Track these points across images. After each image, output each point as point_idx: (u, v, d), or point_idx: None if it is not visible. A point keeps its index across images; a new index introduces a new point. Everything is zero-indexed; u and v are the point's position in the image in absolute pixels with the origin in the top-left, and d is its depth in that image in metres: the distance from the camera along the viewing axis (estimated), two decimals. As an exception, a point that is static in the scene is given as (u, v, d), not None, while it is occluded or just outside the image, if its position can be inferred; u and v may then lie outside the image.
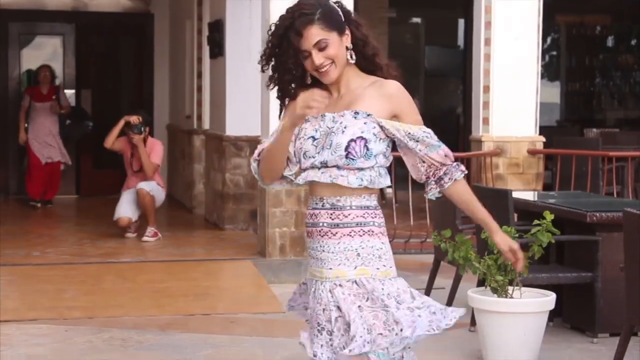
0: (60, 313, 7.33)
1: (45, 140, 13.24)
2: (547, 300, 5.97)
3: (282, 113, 3.57)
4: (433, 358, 6.11)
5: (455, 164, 3.52)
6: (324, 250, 3.45)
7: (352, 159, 3.39)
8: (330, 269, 3.43)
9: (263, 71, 3.53)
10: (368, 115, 3.41)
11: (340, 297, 3.39)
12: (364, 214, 3.45)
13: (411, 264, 8.99)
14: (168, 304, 7.67)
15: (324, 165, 3.42)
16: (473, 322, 6.56)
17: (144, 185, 10.37)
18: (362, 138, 3.39)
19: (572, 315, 6.83)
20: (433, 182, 3.52)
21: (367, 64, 3.52)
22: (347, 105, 3.45)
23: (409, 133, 3.46)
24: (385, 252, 3.47)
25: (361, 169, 3.41)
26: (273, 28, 3.46)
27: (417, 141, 3.47)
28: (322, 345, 3.40)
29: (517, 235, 5.88)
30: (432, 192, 3.54)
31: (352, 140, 3.38)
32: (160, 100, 15.33)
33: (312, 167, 3.44)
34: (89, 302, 7.75)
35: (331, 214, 3.44)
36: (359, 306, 3.37)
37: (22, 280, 8.59)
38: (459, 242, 6.06)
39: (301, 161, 3.46)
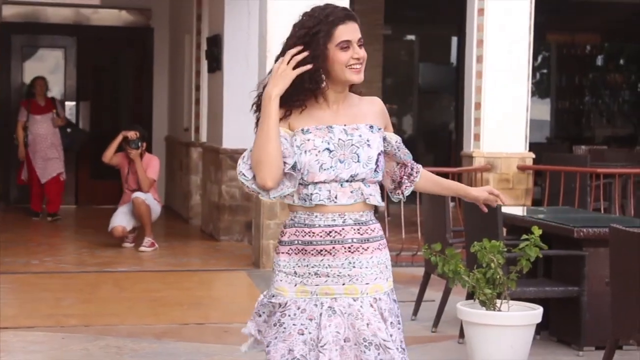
0: (57, 321, 7.32)
1: (46, 154, 12.94)
2: (534, 313, 5.97)
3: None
4: (422, 369, 6.11)
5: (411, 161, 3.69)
6: (354, 267, 3.34)
7: (377, 172, 3.38)
8: (367, 284, 3.35)
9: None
10: (379, 129, 3.43)
11: (381, 310, 3.36)
12: (380, 227, 3.46)
13: (402, 276, 8.98)
14: (163, 312, 7.66)
15: (352, 178, 3.34)
16: (462, 334, 6.56)
17: (140, 195, 10.38)
18: (382, 151, 3.42)
19: (558, 328, 6.83)
20: (407, 181, 3.60)
21: None
22: (352, 119, 3.40)
23: (397, 142, 3.55)
24: None
25: (376, 183, 3.41)
26: (306, 24, 3.31)
27: (400, 150, 3.57)
28: None
29: (505, 249, 5.90)
30: (408, 190, 3.62)
31: (379, 153, 3.39)
32: (159, 113, 15.33)
33: (333, 180, 3.32)
34: (86, 310, 7.75)
35: (358, 229, 3.35)
36: (391, 322, 3.37)
37: (21, 288, 8.59)
38: (448, 256, 6.07)
39: (315, 174, 3.31)
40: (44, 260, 9.90)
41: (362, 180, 3.35)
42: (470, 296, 6.33)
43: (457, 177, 10.33)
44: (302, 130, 3.35)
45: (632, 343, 5.84)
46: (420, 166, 3.65)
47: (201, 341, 6.76)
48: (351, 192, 3.34)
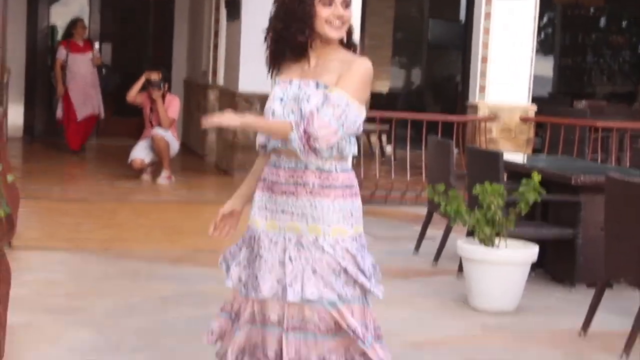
0: (77, 244, 7.35)
1: (86, 92, 12.70)
2: (530, 252, 5.99)
3: (271, 73, 3.49)
4: (422, 301, 6.13)
5: (299, 134, 3.28)
6: (316, 208, 3.34)
7: None
8: (329, 225, 3.33)
9: (272, 31, 3.43)
10: (326, 87, 3.33)
11: (346, 248, 3.34)
12: (348, 177, 3.40)
13: (406, 215, 9.02)
14: (178, 240, 7.69)
15: None
16: (460, 269, 6.58)
17: (160, 130, 10.38)
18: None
19: (553, 267, 6.85)
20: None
21: (347, 39, 3.44)
22: (315, 75, 3.38)
23: (328, 95, 3.29)
24: None
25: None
26: None
27: (322, 102, 3.30)
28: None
29: (505, 192, 5.89)
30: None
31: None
32: (178, 56, 15.28)
33: None
34: (105, 235, 7.77)
35: (319, 175, 3.35)
36: (362, 256, 3.37)
37: (43, 212, 8.59)
38: (451, 197, 6.07)
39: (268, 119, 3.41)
40: (66, 188, 9.92)
41: None
42: (470, 234, 6.34)
43: (463, 126, 10.32)
44: (275, 81, 3.45)
45: (622, 281, 5.85)
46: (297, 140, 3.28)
47: (213, 266, 6.76)
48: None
